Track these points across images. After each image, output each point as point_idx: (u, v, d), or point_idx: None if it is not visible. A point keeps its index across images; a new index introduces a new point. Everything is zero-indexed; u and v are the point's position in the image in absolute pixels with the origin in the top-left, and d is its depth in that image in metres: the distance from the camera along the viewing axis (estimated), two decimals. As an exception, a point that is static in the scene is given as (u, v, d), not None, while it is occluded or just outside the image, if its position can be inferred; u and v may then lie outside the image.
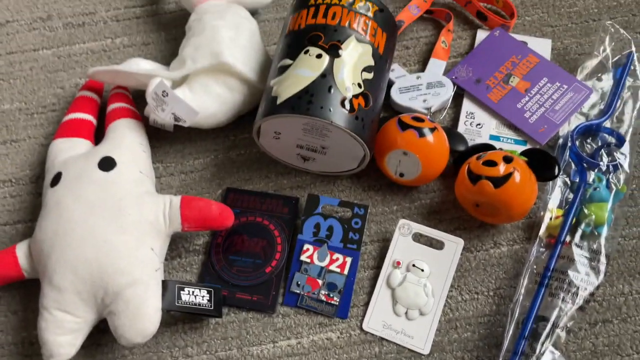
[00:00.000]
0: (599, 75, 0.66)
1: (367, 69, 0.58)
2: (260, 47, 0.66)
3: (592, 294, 0.55)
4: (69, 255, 0.53)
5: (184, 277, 0.60)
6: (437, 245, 0.59)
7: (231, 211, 0.58)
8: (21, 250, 0.57)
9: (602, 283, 0.57)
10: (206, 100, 0.61)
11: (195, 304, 0.55)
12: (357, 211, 0.60)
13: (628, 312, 0.56)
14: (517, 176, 0.55)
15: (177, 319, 0.58)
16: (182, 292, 0.55)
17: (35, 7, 0.77)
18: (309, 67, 0.56)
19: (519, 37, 0.70)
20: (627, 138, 0.62)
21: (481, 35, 0.71)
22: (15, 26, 0.76)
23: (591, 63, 0.67)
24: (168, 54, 0.73)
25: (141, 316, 0.52)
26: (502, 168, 0.55)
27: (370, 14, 0.60)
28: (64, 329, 0.52)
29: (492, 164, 0.55)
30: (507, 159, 0.56)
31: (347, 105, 0.55)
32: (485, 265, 0.59)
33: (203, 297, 0.55)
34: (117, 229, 0.54)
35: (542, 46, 0.69)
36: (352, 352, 0.56)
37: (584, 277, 0.55)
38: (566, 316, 0.54)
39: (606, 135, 0.63)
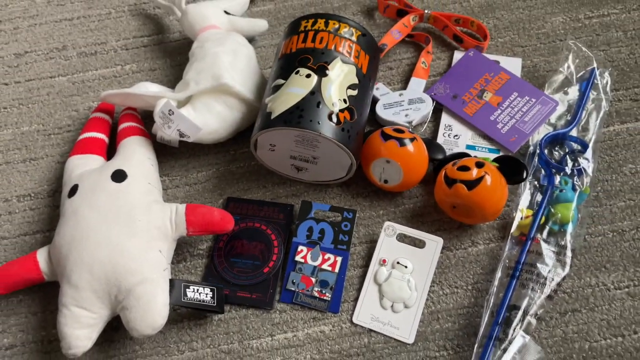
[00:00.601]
0: (565, 89, 0.72)
1: (351, 87, 0.64)
2: (256, 69, 0.72)
3: (559, 284, 0.60)
4: (85, 257, 0.58)
5: (189, 279, 0.65)
6: (420, 244, 0.64)
7: (231, 216, 0.63)
8: (41, 255, 0.62)
9: (570, 276, 0.62)
10: (208, 118, 0.67)
11: (199, 301, 0.59)
12: (347, 215, 0.66)
13: (595, 302, 0.61)
14: (488, 179, 0.60)
15: (183, 316, 0.63)
16: (187, 289, 0.60)
17: (52, 38, 0.84)
18: (299, 85, 0.62)
19: (492, 57, 0.76)
20: (591, 145, 0.68)
21: (457, 55, 0.77)
22: (34, 56, 0.83)
23: (557, 79, 0.73)
24: (173, 79, 0.79)
25: (151, 310, 0.56)
26: (474, 172, 0.61)
27: (354, 38, 0.66)
28: (81, 323, 0.57)
29: (465, 168, 0.61)
30: (479, 164, 0.61)
31: (334, 119, 0.61)
32: (464, 262, 0.64)
33: (207, 294, 0.60)
34: (129, 234, 0.59)
35: (513, 64, 0.75)
36: (343, 343, 0.61)
37: (551, 269, 0.60)
38: (535, 304, 0.59)
39: (572, 143, 0.69)
